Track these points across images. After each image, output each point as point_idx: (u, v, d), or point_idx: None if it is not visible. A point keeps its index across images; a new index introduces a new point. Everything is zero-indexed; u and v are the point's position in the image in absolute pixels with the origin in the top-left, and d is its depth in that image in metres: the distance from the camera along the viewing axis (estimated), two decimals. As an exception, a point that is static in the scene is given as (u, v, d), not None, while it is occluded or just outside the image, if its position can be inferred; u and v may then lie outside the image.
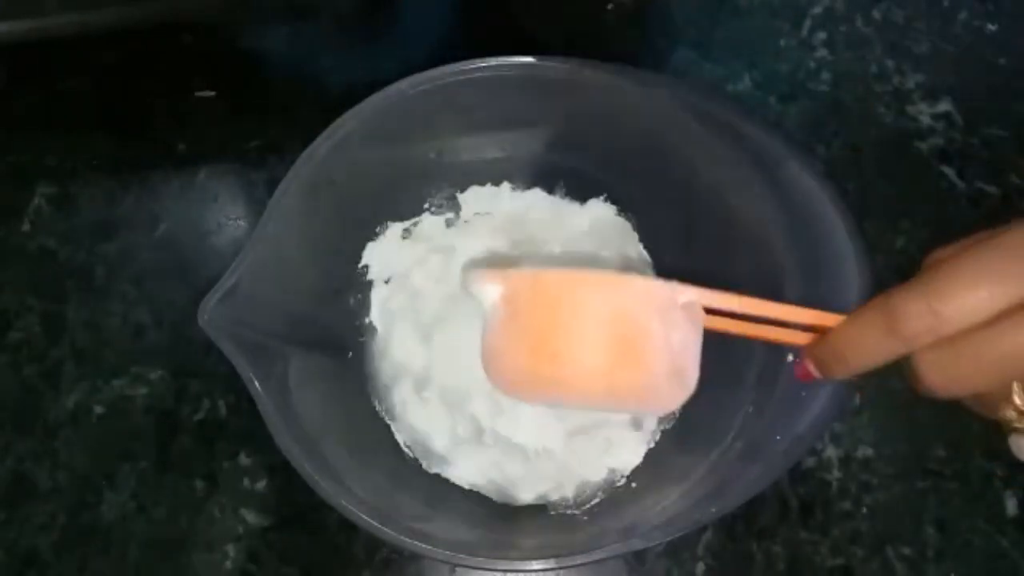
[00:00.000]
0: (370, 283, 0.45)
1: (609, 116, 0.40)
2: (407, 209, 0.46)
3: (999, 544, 0.41)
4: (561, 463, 0.41)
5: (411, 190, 0.45)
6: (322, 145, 0.37)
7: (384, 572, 0.42)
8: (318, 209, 0.39)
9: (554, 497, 0.41)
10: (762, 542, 0.42)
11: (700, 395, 0.42)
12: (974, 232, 0.26)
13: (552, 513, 0.41)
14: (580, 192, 0.45)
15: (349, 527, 0.40)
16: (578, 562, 0.32)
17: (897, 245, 0.46)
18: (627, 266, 0.44)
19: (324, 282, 0.43)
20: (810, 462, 0.43)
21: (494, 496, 0.41)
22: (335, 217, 0.41)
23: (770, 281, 0.37)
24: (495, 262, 0.41)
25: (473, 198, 0.46)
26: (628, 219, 0.45)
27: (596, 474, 0.41)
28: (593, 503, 0.41)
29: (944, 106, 0.50)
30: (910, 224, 0.47)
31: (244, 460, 0.44)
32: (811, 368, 0.29)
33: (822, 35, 0.52)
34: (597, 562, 0.35)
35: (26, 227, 0.49)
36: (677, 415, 0.42)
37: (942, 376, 0.24)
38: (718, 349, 0.41)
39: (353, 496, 0.34)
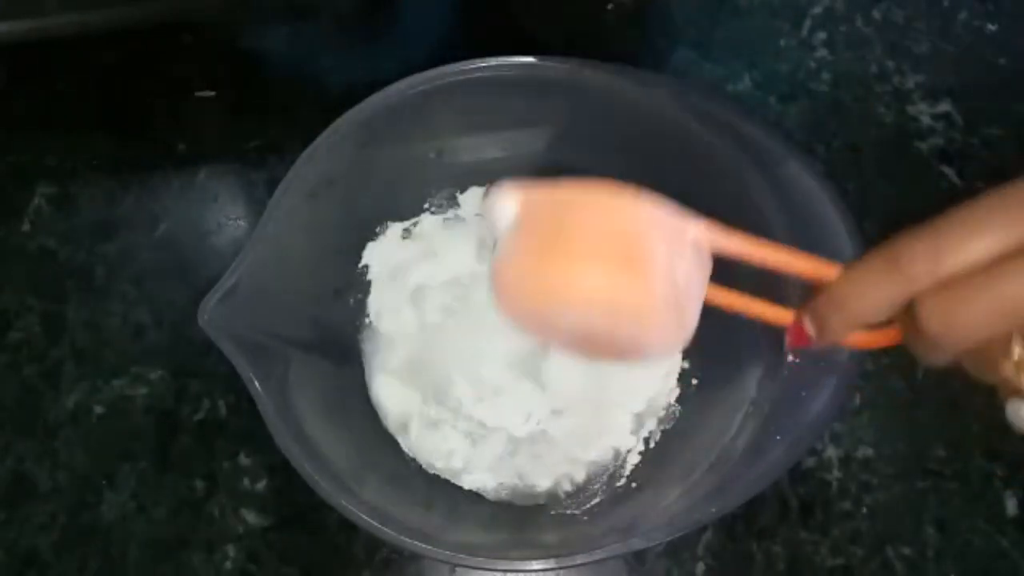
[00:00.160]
0: (370, 283, 0.45)
1: (609, 116, 0.40)
2: (407, 209, 0.46)
3: (999, 544, 0.41)
4: (557, 451, 0.41)
5: (411, 190, 0.45)
6: (322, 145, 0.37)
7: (384, 572, 0.42)
8: (318, 209, 0.39)
9: (561, 489, 0.41)
10: (762, 542, 0.42)
11: (700, 395, 0.42)
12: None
13: (552, 513, 0.41)
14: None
15: (349, 527, 0.40)
16: (578, 562, 0.32)
17: (897, 245, 0.46)
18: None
19: (324, 282, 0.43)
20: (810, 462, 0.43)
21: (494, 496, 0.41)
22: (335, 217, 0.41)
23: (771, 280, 0.37)
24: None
25: (473, 198, 0.46)
26: (628, 219, 0.45)
27: (596, 456, 0.41)
28: (593, 503, 0.41)
29: (944, 106, 0.50)
30: (910, 224, 0.46)
31: (244, 460, 0.44)
32: (807, 326, 0.28)
33: (822, 35, 0.52)
34: (597, 562, 0.35)
35: (26, 227, 0.49)
36: (677, 415, 0.42)
37: (942, 321, 0.23)
38: (719, 349, 0.41)
39: (353, 496, 0.34)
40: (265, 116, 0.51)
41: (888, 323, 0.27)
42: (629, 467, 0.42)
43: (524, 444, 0.42)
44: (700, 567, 0.41)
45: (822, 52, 0.52)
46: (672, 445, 0.41)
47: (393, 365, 0.43)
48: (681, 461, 0.39)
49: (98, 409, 0.45)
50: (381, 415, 0.43)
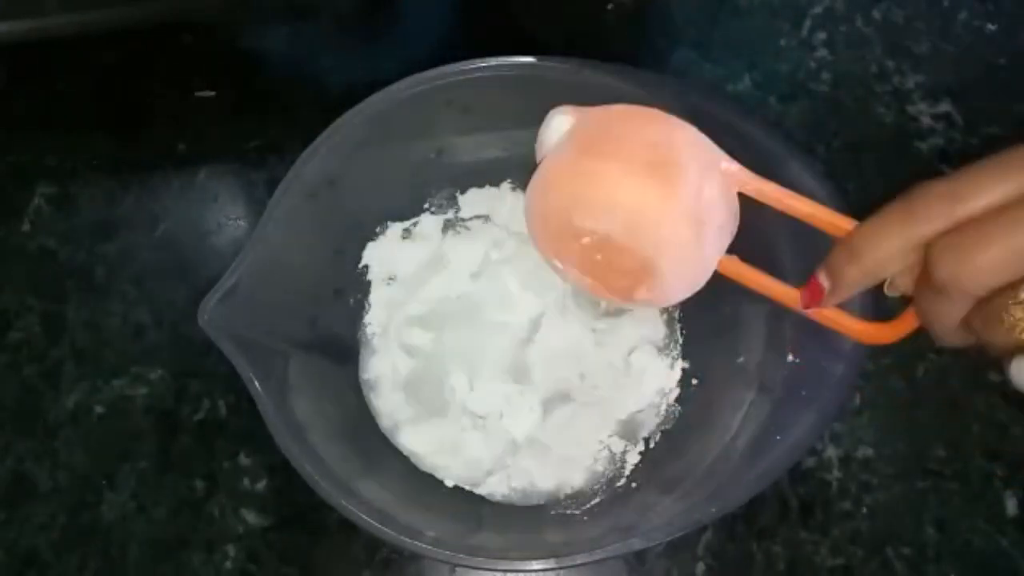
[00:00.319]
0: (370, 283, 0.45)
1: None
2: (407, 209, 0.46)
3: (999, 544, 0.41)
4: (556, 452, 0.41)
5: (411, 190, 0.45)
6: (322, 145, 0.37)
7: (384, 572, 0.42)
8: (318, 209, 0.39)
9: (560, 490, 0.41)
10: (762, 542, 0.42)
11: (700, 395, 0.42)
12: None
13: (552, 513, 0.41)
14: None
15: (349, 527, 0.40)
16: (578, 562, 0.32)
17: (897, 245, 0.46)
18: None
19: (324, 282, 0.43)
20: (810, 462, 0.43)
21: (493, 496, 0.41)
22: (335, 217, 0.41)
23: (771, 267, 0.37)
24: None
25: (473, 199, 0.46)
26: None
27: (595, 457, 0.42)
28: (593, 503, 0.41)
29: (944, 106, 0.50)
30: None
31: (244, 460, 0.44)
32: (822, 279, 0.28)
33: (822, 35, 0.52)
34: (597, 562, 0.35)
35: (26, 227, 0.49)
36: (677, 415, 0.42)
37: (955, 261, 0.23)
38: (719, 349, 0.41)
39: (353, 496, 0.34)
40: (265, 116, 0.51)
41: (902, 306, 0.28)
42: (629, 467, 0.42)
43: (523, 445, 0.42)
44: (700, 567, 0.41)
45: (822, 52, 0.52)
46: (672, 445, 0.41)
47: (391, 366, 0.43)
48: (681, 461, 0.39)
49: (98, 409, 0.45)
50: (380, 415, 0.43)
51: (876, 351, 0.44)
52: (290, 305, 0.40)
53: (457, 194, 0.46)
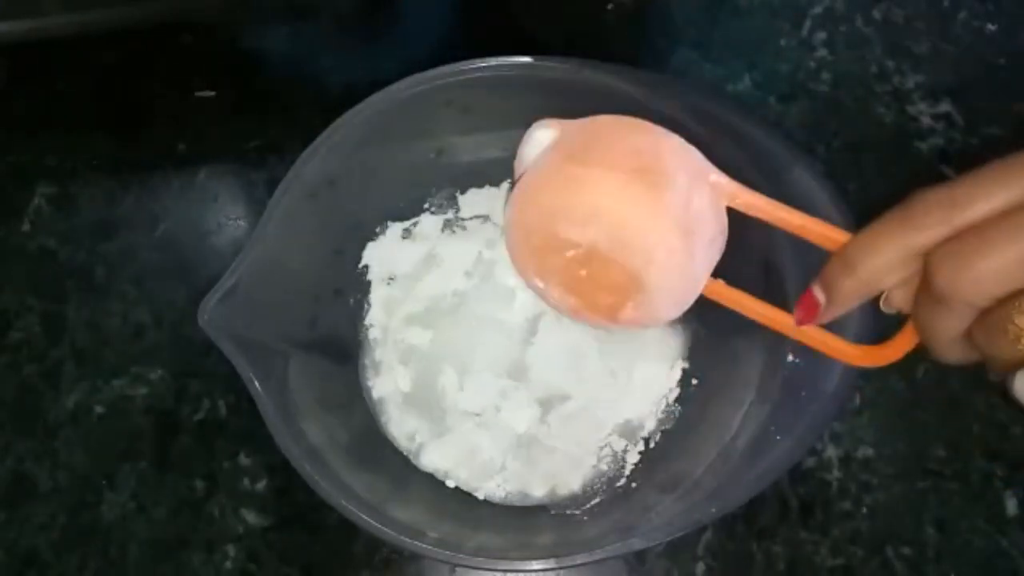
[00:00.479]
0: (370, 283, 0.45)
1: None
2: (407, 209, 0.46)
3: (999, 544, 0.41)
4: (556, 453, 0.41)
5: (411, 190, 0.45)
6: (322, 145, 0.37)
7: (384, 572, 0.42)
8: (318, 209, 0.39)
9: (560, 490, 0.41)
10: (762, 542, 0.42)
11: (700, 395, 0.42)
12: None
13: (552, 513, 0.41)
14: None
15: (349, 527, 0.40)
16: (578, 562, 0.32)
17: (897, 245, 0.46)
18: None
19: (324, 282, 0.43)
20: (810, 462, 0.43)
21: (494, 497, 0.41)
22: (335, 217, 0.41)
23: (771, 280, 0.37)
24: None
25: (473, 199, 0.46)
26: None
27: (595, 457, 0.42)
28: (593, 503, 0.41)
29: (944, 106, 0.50)
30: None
31: (244, 460, 0.44)
32: (817, 293, 0.27)
33: (822, 35, 0.52)
34: (597, 562, 0.35)
35: (26, 227, 0.49)
36: (677, 415, 0.42)
37: (954, 269, 0.23)
38: (719, 349, 0.41)
39: (353, 496, 0.34)
40: (265, 116, 0.51)
41: (899, 323, 0.27)
42: (629, 467, 0.42)
43: (524, 446, 0.42)
44: (700, 567, 0.41)
45: (822, 52, 0.52)
46: (672, 445, 0.41)
47: (391, 366, 0.43)
48: (681, 461, 0.39)
49: (98, 409, 0.45)
50: (380, 415, 0.43)
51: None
52: (290, 305, 0.40)
53: (457, 194, 0.46)
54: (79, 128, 0.52)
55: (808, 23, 0.53)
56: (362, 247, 0.45)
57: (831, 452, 0.43)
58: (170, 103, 0.52)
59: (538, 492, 0.41)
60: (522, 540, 0.39)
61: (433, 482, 0.41)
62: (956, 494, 0.42)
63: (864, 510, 0.42)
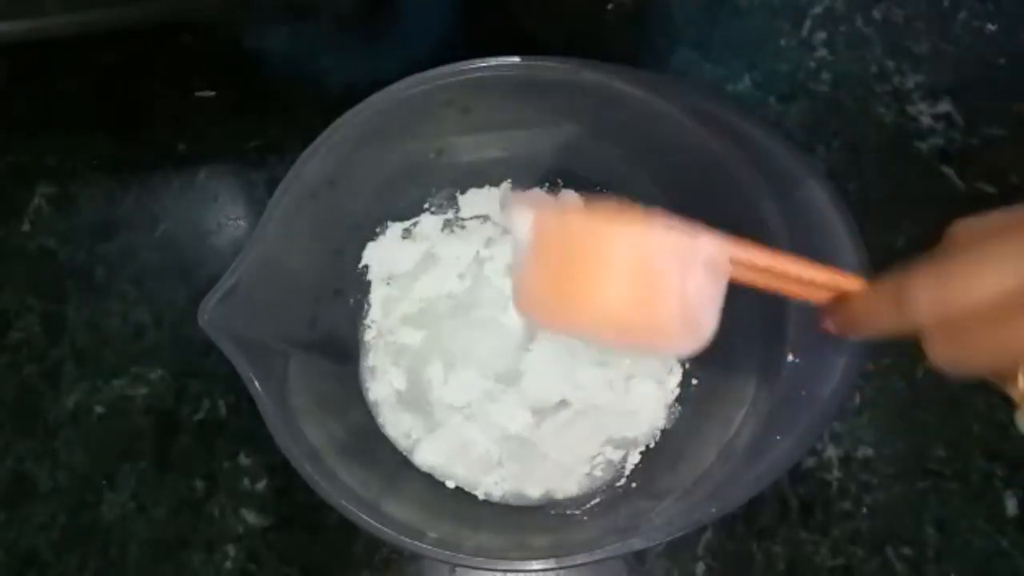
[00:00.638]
0: (370, 283, 0.45)
1: (609, 116, 0.40)
2: (407, 209, 0.46)
3: (999, 544, 0.41)
4: (557, 453, 0.41)
5: (411, 190, 0.45)
6: (322, 145, 0.37)
7: (384, 572, 0.42)
8: (318, 209, 0.39)
9: (560, 491, 0.41)
10: (762, 542, 0.42)
11: (700, 395, 0.42)
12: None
13: (552, 513, 0.41)
14: (580, 191, 0.45)
15: (349, 527, 0.40)
16: (578, 562, 0.32)
17: (897, 245, 0.46)
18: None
19: (324, 282, 0.43)
20: (810, 462, 0.43)
21: (493, 497, 0.41)
22: (335, 217, 0.41)
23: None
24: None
25: (473, 199, 0.46)
26: (628, 219, 0.45)
27: (595, 457, 0.41)
28: (593, 503, 0.41)
29: (944, 106, 0.50)
30: (910, 224, 0.47)
31: (244, 460, 0.44)
32: (829, 324, 0.29)
33: (822, 35, 0.52)
34: (597, 562, 0.35)
35: (26, 227, 0.49)
36: (677, 415, 0.42)
37: (947, 356, 0.24)
38: (719, 350, 0.41)
39: (353, 496, 0.34)
40: (265, 116, 0.51)
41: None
42: (629, 467, 0.42)
43: (524, 446, 0.42)
44: (700, 567, 0.41)
45: (822, 52, 0.52)
46: (672, 445, 0.41)
47: (386, 369, 0.43)
48: (681, 461, 0.39)
49: (98, 409, 0.45)
50: (378, 416, 0.43)
51: (876, 351, 0.44)
52: (290, 305, 0.40)
53: (457, 194, 0.46)
54: (79, 128, 0.52)
55: (808, 23, 0.53)
56: (362, 247, 0.45)
57: (831, 452, 0.43)
58: (170, 103, 0.52)
59: (538, 492, 0.41)
60: (522, 540, 0.39)
61: (432, 482, 0.41)
62: (956, 494, 0.42)
63: (864, 510, 0.42)
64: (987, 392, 0.43)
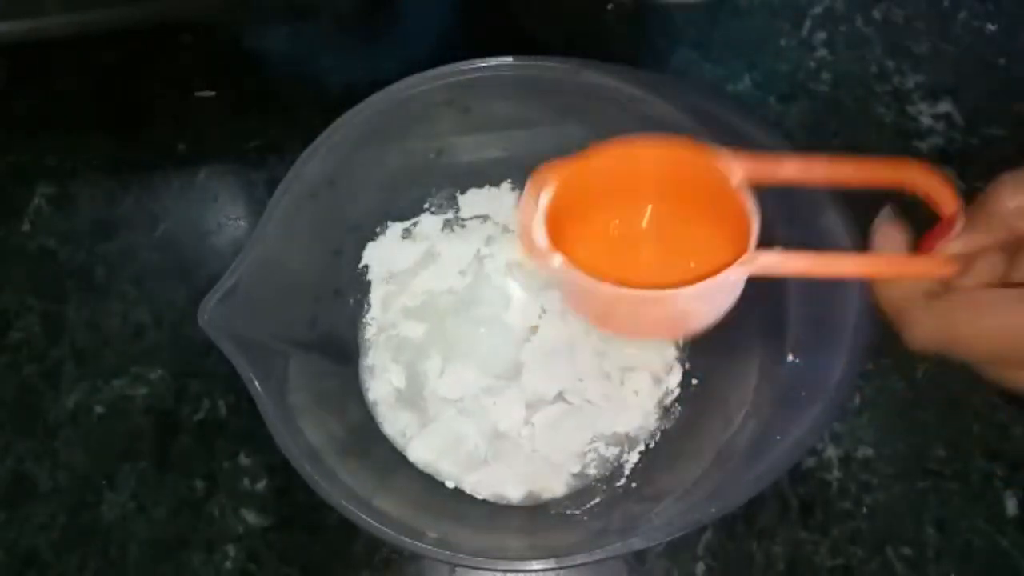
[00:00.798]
0: (370, 283, 0.45)
1: (609, 116, 0.40)
2: (407, 209, 0.46)
3: (999, 544, 0.41)
4: (557, 452, 0.41)
5: (411, 190, 0.45)
6: (322, 145, 0.37)
7: (384, 572, 0.42)
8: (318, 209, 0.39)
9: (559, 490, 0.41)
10: (762, 542, 0.42)
11: (700, 395, 0.42)
12: None
13: (552, 513, 0.41)
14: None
15: (349, 527, 0.40)
16: (578, 562, 0.32)
17: (897, 245, 0.46)
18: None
19: (324, 282, 0.43)
20: (810, 462, 0.43)
21: (493, 497, 0.41)
22: (335, 217, 0.41)
23: (770, 279, 0.37)
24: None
25: (473, 199, 0.46)
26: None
27: (595, 456, 0.42)
28: (593, 503, 0.41)
29: (944, 106, 0.50)
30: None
31: (244, 460, 0.44)
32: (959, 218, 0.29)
33: (822, 35, 0.52)
34: (597, 562, 0.34)
35: (26, 227, 0.49)
36: (677, 415, 0.42)
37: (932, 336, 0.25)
38: (719, 350, 0.41)
39: (353, 496, 0.34)
40: (265, 116, 0.51)
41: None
42: (629, 467, 0.42)
43: (524, 446, 0.42)
44: (700, 567, 0.41)
45: (822, 52, 0.52)
46: (672, 445, 0.41)
47: (385, 366, 0.43)
48: (681, 461, 0.39)
49: (98, 409, 0.45)
50: (378, 415, 0.43)
51: (876, 351, 0.44)
52: (290, 305, 0.40)
53: (457, 194, 0.46)
54: (79, 128, 0.52)
55: (808, 23, 0.53)
56: (362, 247, 0.45)
57: (831, 452, 0.43)
58: (170, 103, 0.52)
59: (537, 492, 0.41)
60: (522, 540, 0.39)
61: (432, 481, 0.41)
62: (956, 494, 0.42)
63: (864, 510, 0.42)
64: (987, 392, 0.43)
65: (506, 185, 0.46)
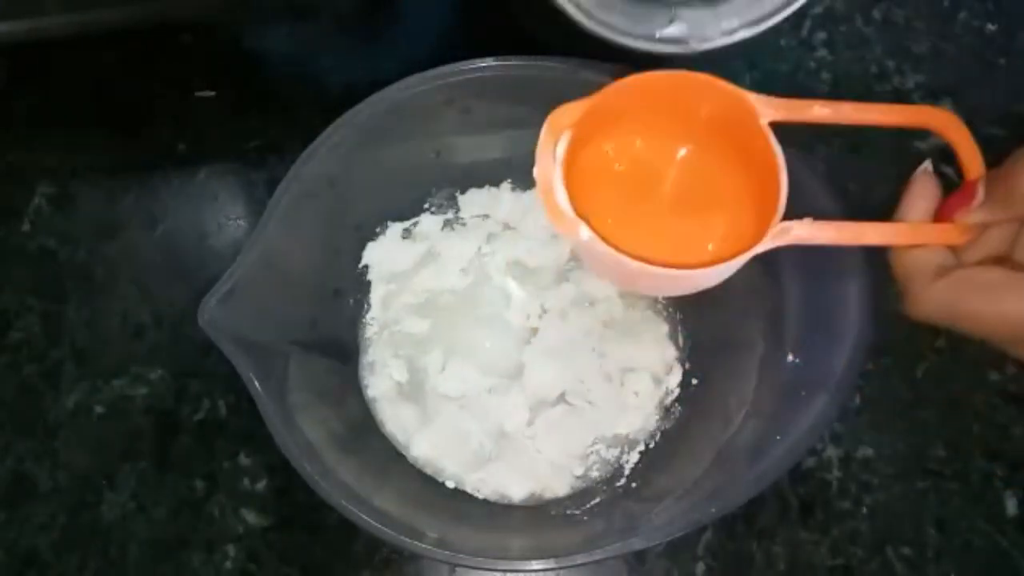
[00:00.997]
0: (370, 283, 0.45)
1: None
2: (407, 209, 0.46)
3: (999, 544, 0.41)
4: (556, 452, 0.41)
5: (411, 190, 0.45)
6: (322, 145, 0.37)
7: (384, 572, 0.42)
8: (318, 209, 0.39)
9: (559, 490, 0.41)
10: (762, 542, 0.42)
11: (700, 395, 0.42)
12: None
13: (552, 513, 0.41)
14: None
15: (349, 527, 0.40)
16: (578, 562, 0.32)
17: (897, 245, 0.46)
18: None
19: (324, 282, 0.43)
20: (810, 462, 0.43)
21: (493, 497, 0.41)
22: (335, 217, 0.41)
23: (770, 279, 0.37)
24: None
25: (473, 199, 0.46)
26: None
27: (595, 456, 0.42)
28: (593, 503, 0.41)
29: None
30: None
31: (244, 460, 0.44)
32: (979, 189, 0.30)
33: (822, 35, 0.52)
34: (597, 562, 0.35)
35: (26, 227, 0.49)
36: (677, 415, 0.42)
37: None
38: (719, 349, 0.41)
39: (353, 496, 0.34)
40: (265, 116, 0.51)
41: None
42: (629, 467, 0.42)
43: (525, 446, 0.42)
44: (700, 567, 0.41)
45: (822, 52, 0.52)
46: (672, 445, 0.41)
47: (385, 363, 0.43)
48: (681, 461, 0.39)
49: (98, 409, 0.45)
50: (377, 412, 0.43)
51: (876, 351, 0.44)
52: (290, 305, 0.40)
53: (457, 194, 0.46)
54: (79, 128, 0.52)
55: (808, 23, 0.53)
56: (362, 247, 0.45)
57: (831, 452, 0.43)
58: (170, 103, 0.52)
59: (537, 492, 0.41)
60: (522, 540, 0.39)
61: (432, 481, 0.41)
62: (956, 494, 0.42)
63: (864, 510, 0.42)
64: (987, 392, 0.43)
65: (506, 185, 0.46)
